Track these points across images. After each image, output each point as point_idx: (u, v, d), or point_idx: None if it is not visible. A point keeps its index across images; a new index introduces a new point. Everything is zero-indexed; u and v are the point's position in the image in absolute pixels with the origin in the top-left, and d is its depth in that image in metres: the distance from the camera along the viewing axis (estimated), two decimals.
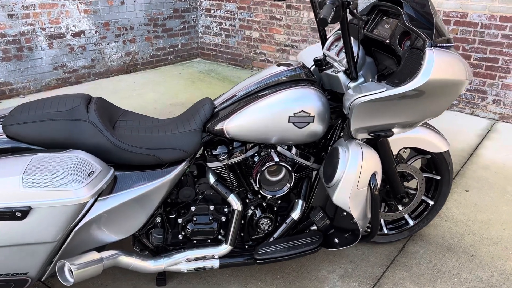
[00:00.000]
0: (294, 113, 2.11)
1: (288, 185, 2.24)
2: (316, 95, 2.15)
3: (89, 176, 1.86)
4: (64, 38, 5.42)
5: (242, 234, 2.43)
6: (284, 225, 2.40)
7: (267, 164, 2.16)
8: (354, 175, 2.10)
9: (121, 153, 2.05)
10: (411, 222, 2.78)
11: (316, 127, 2.16)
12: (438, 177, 2.65)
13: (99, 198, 1.96)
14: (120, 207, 2.04)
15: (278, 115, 2.11)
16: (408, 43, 2.09)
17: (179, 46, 6.86)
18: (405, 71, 1.96)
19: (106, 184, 1.93)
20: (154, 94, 5.39)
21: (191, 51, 7.09)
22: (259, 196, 2.38)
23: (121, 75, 6.18)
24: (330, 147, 2.39)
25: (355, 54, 2.15)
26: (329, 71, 2.27)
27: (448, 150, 2.55)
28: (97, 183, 1.88)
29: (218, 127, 2.16)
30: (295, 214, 2.39)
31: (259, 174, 2.17)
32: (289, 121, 2.12)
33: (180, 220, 2.35)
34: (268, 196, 2.28)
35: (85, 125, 1.99)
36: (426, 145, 2.45)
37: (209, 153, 2.25)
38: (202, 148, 2.33)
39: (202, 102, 2.30)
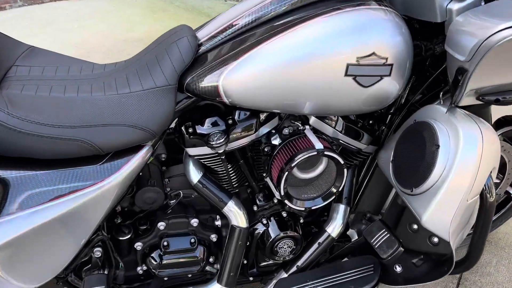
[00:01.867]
0: (357, 59, 1.09)
1: (335, 188, 1.26)
2: (394, 23, 1.13)
3: None
4: None
5: (245, 261, 1.46)
6: (314, 248, 1.44)
7: (302, 155, 1.16)
8: (468, 178, 1.13)
9: (15, 137, 1.02)
10: None
11: (391, 85, 1.16)
12: None
13: None
14: (20, 240, 1.04)
15: (326, 64, 1.09)
16: None
17: None
18: None
19: None
20: (103, 27, 4.15)
21: None
22: (275, 201, 1.40)
23: (59, 1, 4.82)
24: (395, 119, 1.39)
25: None
26: None
27: None
28: None
29: (208, 83, 1.12)
30: (334, 229, 1.43)
31: (285, 172, 1.17)
32: (346, 74, 1.10)
33: (138, 245, 1.35)
34: (296, 208, 1.28)
35: None
36: None
37: (190, 130, 1.22)
38: (177, 120, 1.29)
39: (177, 34, 1.22)
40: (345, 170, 1.23)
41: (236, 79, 1.11)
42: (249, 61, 1.10)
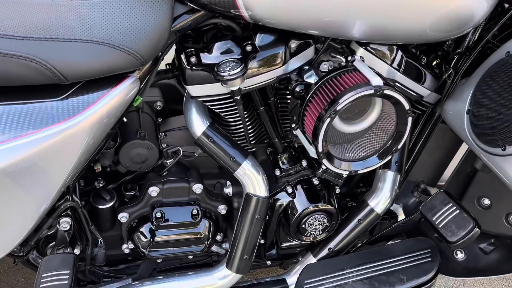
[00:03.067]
0: None
1: (395, 143, 0.92)
2: None
3: None
4: None
5: (262, 241, 1.13)
6: (352, 225, 1.11)
7: (352, 94, 0.81)
8: None
9: None
10: None
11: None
12: None
13: None
14: None
15: None
16: None
17: None
18: None
19: None
20: None
21: None
22: (304, 164, 1.06)
23: None
24: (464, 60, 1.03)
25: None
26: None
27: None
28: None
29: None
30: (379, 202, 1.09)
31: (326, 120, 0.83)
32: None
33: (123, 217, 1.02)
34: (339, 171, 0.93)
35: None
36: None
37: (192, 59, 0.87)
38: (175, 45, 0.93)
39: None
40: (410, 118, 0.88)
41: None
42: None
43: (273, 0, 0.80)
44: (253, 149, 1.06)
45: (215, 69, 0.83)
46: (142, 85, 0.86)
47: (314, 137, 0.86)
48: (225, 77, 0.82)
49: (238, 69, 0.81)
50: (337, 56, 0.94)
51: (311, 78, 0.92)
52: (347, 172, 0.94)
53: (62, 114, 0.76)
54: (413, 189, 1.18)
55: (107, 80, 0.80)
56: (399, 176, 1.10)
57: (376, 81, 0.81)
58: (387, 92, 0.83)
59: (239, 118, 0.96)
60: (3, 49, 0.71)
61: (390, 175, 1.10)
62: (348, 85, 0.83)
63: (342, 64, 0.91)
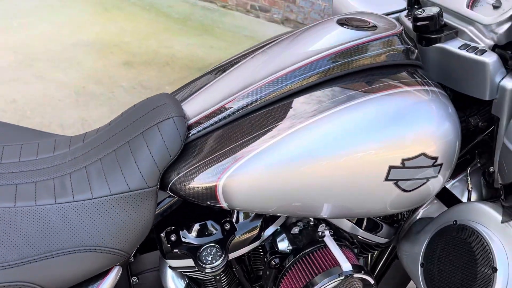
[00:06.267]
0: (402, 161, 0.83)
1: None
2: (444, 108, 0.89)
3: None
4: None
5: None
6: None
7: (325, 284, 0.88)
8: None
9: None
10: None
11: (436, 183, 0.91)
12: None
13: None
14: None
15: (361, 164, 0.83)
16: None
17: None
18: None
19: None
20: (47, 27, 3.65)
21: None
22: None
23: None
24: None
25: None
26: (448, 45, 0.97)
27: None
28: None
29: (202, 183, 0.83)
30: None
31: None
32: (387, 178, 0.84)
33: None
34: None
35: None
36: None
37: (172, 238, 0.91)
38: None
39: (158, 111, 0.89)
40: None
41: (243, 179, 0.82)
42: (263, 156, 0.82)
43: (252, 195, 0.85)
44: None
45: (197, 258, 0.87)
46: (124, 269, 0.88)
47: None
48: (207, 269, 0.86)
49: (219, 261, 0.86)
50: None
51: (284, 244, 0.98)
52: None
53: None
54: None
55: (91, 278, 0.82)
56: None
57: (346, 267, 0.89)
58: (356, 275, 0.91)
59: (215, 284, 1.00)
60: None
61: None
62: (320, 267, 0.90)
63: (311, 224, 0.98)
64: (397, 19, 1.11)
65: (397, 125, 0.84)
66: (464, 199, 1.14)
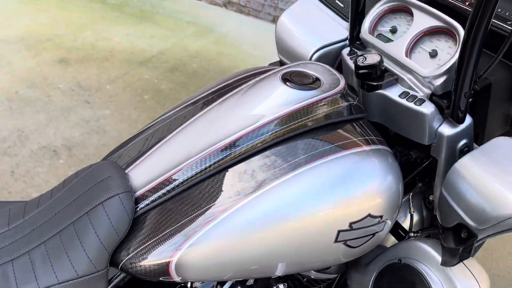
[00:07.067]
0: (350, 224, 0.86)
1: None
2: (390, 168, 0.91)
3: None
4: None
5: None
6: None
7: None
8: None
9: None
10: None
11: (382, 234, 0.95)
12: None
13: None
14: None
15: (311, 231, 0.85)
16: None
17: None
18: None
19: None
20: None
21: None
22: None
23: None
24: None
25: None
26: (389, 92, 1.00)
27: None
28: None
29: (154, 260, 0.82)
30: None
31: None
32: (336, 241, 0.87)
33: None
34: None
35: None
36: None
37: None
38: None
39: (102, 187, 0.85)
40: None
41: (196, 254, 0.82)
42: (216, 229, 0.82)
43: (204, 266, 0.84)
44: None
45: None
46: None
47: None
48: None
49: None
50: None
51: None
52: None
53: None
54: None
55: None
56: None
57: None
58: None
59: None
60: None
61: None
62: None
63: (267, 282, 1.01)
64: (340, 56, 1.12)
65: (343, 189, 0.85)
66: (407, 222, 1.21)
